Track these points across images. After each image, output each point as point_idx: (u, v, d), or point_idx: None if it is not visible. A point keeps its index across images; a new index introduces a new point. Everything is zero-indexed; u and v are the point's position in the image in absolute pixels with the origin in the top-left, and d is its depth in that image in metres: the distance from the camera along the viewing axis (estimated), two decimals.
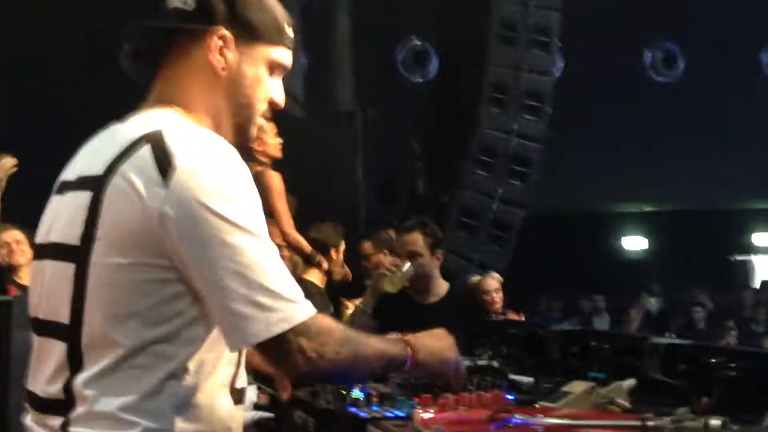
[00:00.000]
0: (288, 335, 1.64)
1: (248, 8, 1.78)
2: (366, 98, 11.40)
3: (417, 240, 4.58)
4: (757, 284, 15.96)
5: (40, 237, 1.81)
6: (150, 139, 1.66)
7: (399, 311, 4.42)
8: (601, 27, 14.03)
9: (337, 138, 10.07)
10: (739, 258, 17.58)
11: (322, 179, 10.14)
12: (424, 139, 10.76)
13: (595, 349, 3.48)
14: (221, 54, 1.76)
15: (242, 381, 1.81)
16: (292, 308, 1.65)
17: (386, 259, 5.98)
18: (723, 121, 14.63)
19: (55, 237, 1.74)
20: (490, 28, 9.68)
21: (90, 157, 1.74)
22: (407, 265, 4.48)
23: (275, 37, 1.81)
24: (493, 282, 7.04)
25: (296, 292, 1.68)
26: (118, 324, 1.64)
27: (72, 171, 1.77)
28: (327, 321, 1.72)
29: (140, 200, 1.62)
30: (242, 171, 1.68)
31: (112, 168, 1.66)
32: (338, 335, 1.70)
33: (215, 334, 1.69)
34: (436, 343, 1.94)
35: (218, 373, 1.72)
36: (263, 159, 5.84)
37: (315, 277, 5.71)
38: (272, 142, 5.78)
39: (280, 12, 1.83)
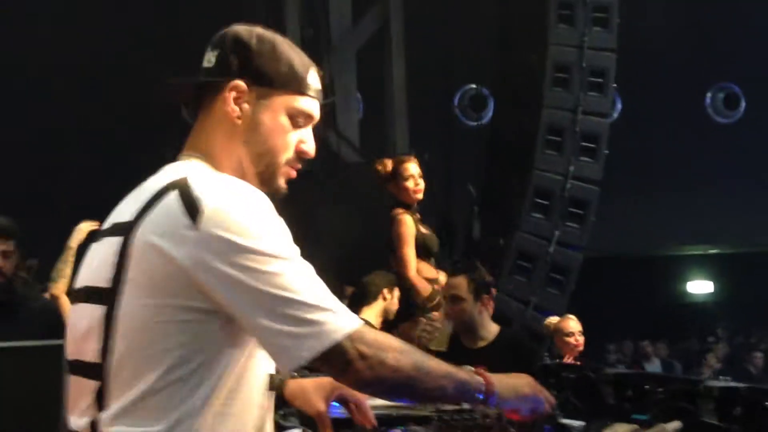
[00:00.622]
0: (345, 343, 1.66)
1: (262, 59, 1.84)
2: (422, 142, 11.42)
3: (461, 284, 4.57)
4: None
5: (76, 282, 1.87)
6: (177, 186, 1.72)
7: (447, 356, 4.38)
8: (659, 68, 13.94)
9: None
10: None
11: (380, 224, 10.16)
12: (480, 183, 10.72)
13: (648, 392, 3.40)
14: (237, 104, 1.83)
15: (270, 428, 1.81)
16: (341, 318, 1.68)
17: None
18: None
19: (88, 281, 1.80)
20: (545, 70, 9.65)
21: (123, 208, 1.81)
22: (445, 324, 4.45)
23: (293, 86, 1.85)
24: (576, 324, 6.89)
25: (340, 305, 1.70)
26: (146, 363, 1.67)
27: (108, 221, 1.85)
28: (380, 332, 1.75)
29: (170, 244, 1.67)
30: (265, 205, 1.72)
31: (141, 214, 1.72)
32: (396, 344, 1.72)
33: (243, 377, 1.72)
34: (511, 380, 1.92)
35: (246, 416, 1.73)
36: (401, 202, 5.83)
37: (371, 315, 5.68)
38: (410, 186, 5.76)
39: (299, 61, 1.87)
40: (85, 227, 5.55)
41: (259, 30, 1.89)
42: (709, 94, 15.60)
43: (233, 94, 1.83)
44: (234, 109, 1.83)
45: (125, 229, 1.73)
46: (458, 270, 4.67)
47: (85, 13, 11.88)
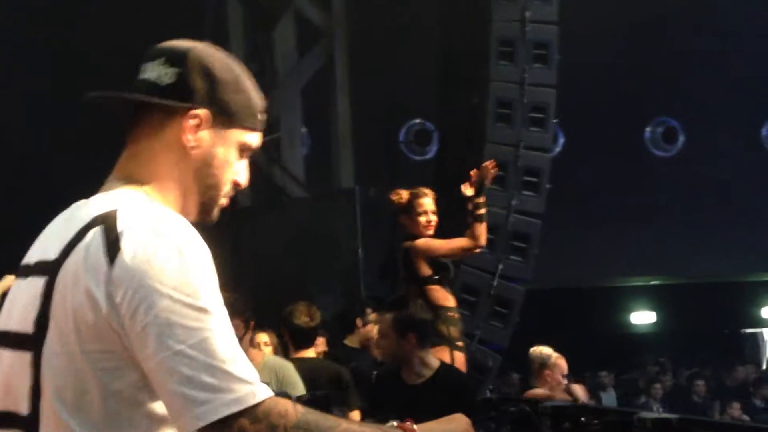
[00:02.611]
0: (235, 417, 1.56)
1: (226, 89, 1.75)
2: (368, 177, 11.51)
3: (386, 321, 4.66)
4: (765, 357, 15.86)
5: (0, 324, 1.76)
6: (103, 220, 1.63)
7: (389, 392, 4.43)
8: (599, 102, 14.21)
9: (338, 216, 10.14)
10: (749, 331, 17.45)
11: (324, 257, 10.20)
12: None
13: (584, 424, 3.48)
14: (194, 134, 1.73)
15: None
16: (244, 389, 1.58)
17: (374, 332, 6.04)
18: (724, 193, 14.70)
19: (13, 325, 1.71)
20: (487, 106, 9.81)
21: (49, 240, 1.71)
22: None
23: (249, 120, 1.78)
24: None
25: (250, 372, 1.60)
26: (74, 413, 1.60)
27: (33, 254, 1.75)
28: (283, 403, 1.62)
29: (88, 285, 1.59)
30: (195, 249, 1.62)
31: (65, 252, 1.64)
32: (293, 419, 1.60)
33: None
34: (442, 426, 1.86)
35: None
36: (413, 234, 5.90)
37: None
38: (422, 221, 5.81)
39: (255, 95, 1.80)
40: (9, 281, 5.58)
41: (219, 54, 1.79)
42: (648, 128, 15.92)
43: (194, 122, 1.73)
44: (191, 139, 1.73)
45: (50, 270, 1.64)
46: (389, 306, 4.73)
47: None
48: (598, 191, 14.44)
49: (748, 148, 15.44)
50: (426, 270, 5.91)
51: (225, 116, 1.75)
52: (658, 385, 12.82)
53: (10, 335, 1.70)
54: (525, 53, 9.74)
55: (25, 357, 1.65)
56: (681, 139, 15.82)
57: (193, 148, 1.73)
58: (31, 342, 1.64)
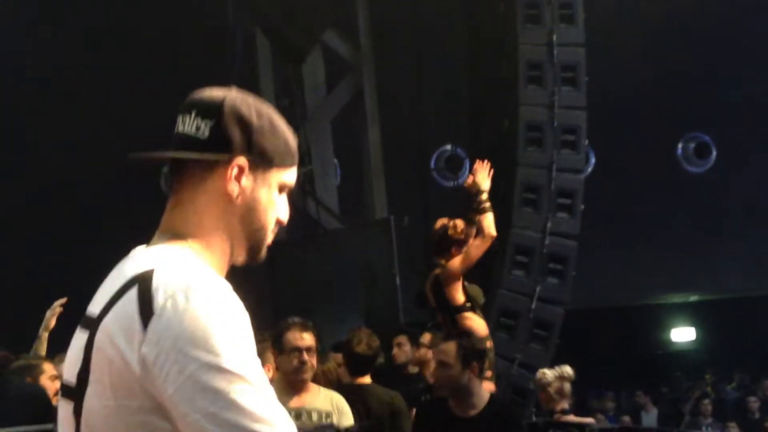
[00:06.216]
0: None
1: (264, 136, 1.78)
2: (400, 206, 11.57)
3: (450, 350, 4.60)
4: None
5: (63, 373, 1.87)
6: (139, 280, 1.67)
7: (437, 423, 4.43)
8: (630, 120, 14.20)
9: (373, 246, 10.20)
10: None
11: (360, 287, 10.25)
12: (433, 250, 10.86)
13: None
14: (237, 182, 1.76)
15: None
16: None
17: (428, 355, 6.08)
18: (758, 207, 14.61)
19: (66, 375, 1.80)
20: (518, 130, 9.86)
21: (99, 294, 1.77)
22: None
23: (287, 160, 1.82)
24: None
25: (283, 428, 1.62)
26: None
27: (90, 305, 1.81)
28: None
29: (121, 345, 1.64)
30: (227, 311, 1.65)
31: (105, 310, 1.69)
32: None
33: None
34: None
35: None
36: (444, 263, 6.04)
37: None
38: (456, 260, 5.96)
39: (290, 135, 1.83)
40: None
41: (251, 99, 1.81)
42: (680, 144, 15.87)
43: (236, 171, 1.76)
44: (235, 188, 1.76)
45: (92, 325, 1.71)
46: (450, 336, 4.73)
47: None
48: (632, 209, 14.41)
49: None
50: (458, 298, 5.95)
51: (264, 160, 1.78)
52: (707, 401, 12.72)
53: (64, 386, 1.80)
54: (553, 76, 9.79)
55: (70, 407, 1.74)
56: (713, 153, 15.75)
57: (237, 196, 1.77)
58: (74, 393, 1.73)
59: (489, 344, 5.95)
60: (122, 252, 1.84)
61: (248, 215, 1.79)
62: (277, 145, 1.80)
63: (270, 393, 1.64)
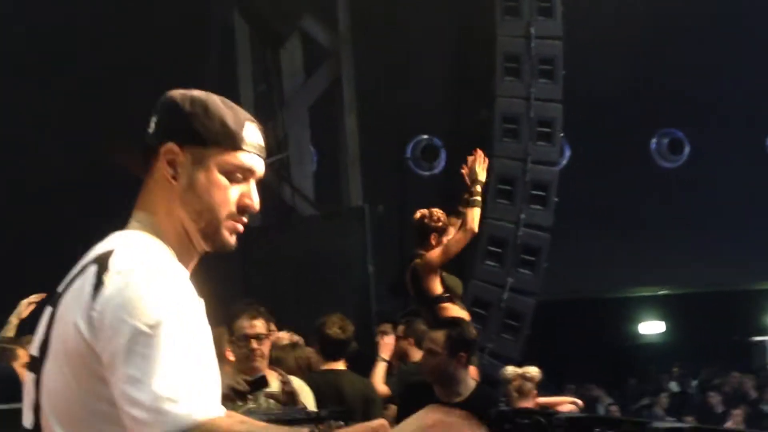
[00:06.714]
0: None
1: (194, 120, 1.87)
2: (376, 193, 11.60)
3: (439, 339, 4.58)
4: None
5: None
6: (99, 259, 1.80)
7: (421, 408, 4.44)
8: (605, 115, 14.30)
9: (347, 233, 10.23)
10: (756, 339, 17.48)
11: (334, 274, 10.29)
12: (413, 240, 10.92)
13: None
14: (171, 166, 1.87)
15: None
16: (179, 410, 1.66)
17: (412, 349, 6.11)
18: (730, 202, 14.78)
19: (31, 350, 1.91)
20: (494, 122, 9.91)
21: (69, 274, 1.89)
22: None
23: (227, 142, 1.87)
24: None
25: (194, 396, 1.69)
26: (66, 429, 1.77)
27: (60, 284, 1.91)
28: (226, 423, 1.71)
29: (75, 316, 1.75)
30: (170, 290, 1.74)
31: (67, 286, 1.83)
32: None
33: None
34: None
35: None
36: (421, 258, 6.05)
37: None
38: (435, 252, 5.96)
39: (232, 118, 1.89)
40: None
41: (194, 93, 1.92)
42: (654, 140, 16.00)
43: (168, 156, 1.87)
44: (169, 170, 1.86)
45: (55, 301, 1.83)
46: (441, 324, 4.73)
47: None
48: (605, 203, 14.52)
49: (752, 158, 15.52)
50: (436, 288, 5.98)
51: (197, 143, 1.87)
52: (664, 394, 12.87)
53: (30, 360, 1.92)
54: (531, 69, 9.85)
55: (32, 379, 1.86)
56: (686, 149, 15.90)
57: (174, 178, 1.87)
58: (36, 365, 1.84)
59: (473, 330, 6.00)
60: None
61: (188, 197, 1.87)
62: (210, 127, 1.87)
63: (200, 369, 1.71)
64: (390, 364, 6.71)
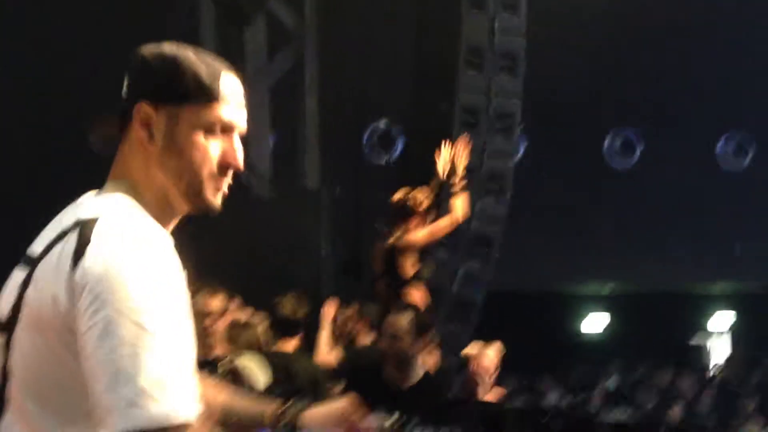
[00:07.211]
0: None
1: (165, 77, 1.77)
2: (333, 177, 11.66)
3: (401, 323, 4.63)
4: (711, 365, 16.26)
5: None
6: (81, 225, 1.71)
7: (369, 391, 4.50)
8: (562, 112, 14.47)
9: (303, 215, 10.28)
10: (697, 341, 17.82)
11: (287, 255, 10.33)
12: (388, 220, 11.00)
13: (547, 426, 3.69)
14: (146, 127, 1.77)
15: None
16: (161, 410, 1.60)
17: (363, 331, 6.17)
18: (678, 204, 15.06)
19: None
20: (454, 112, 10.02)
21: (43, 235, 1.80)
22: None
23: (201, 97, 1.77)
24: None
25: (174, 396, 1.61)
26: (35, 398, 1.73)
27: (32, 246, 1.83)
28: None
29: (53, 285, 1.68)
30: (157, 266, 1.67)
31: (46, 251, 1.73)
32: None
33: None
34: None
35: None
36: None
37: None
38: (420, 233, 5.99)
39: (205, 70, 1.78)
40: None
41: (164, 47, 1.81)
42: (606, 140, 16.24)
43: (141, 117, 1.77)
44: (143, 133, 1.77)
45: (32, 263, 1.74)
46: (403, 308, 4.81)
47: None
48: (558, 199, 14.71)
49: (703, 160, 15.82)
50: (409, 270, 6.04)
51: (171, 101, 1.77)
52: (600, 389, 13.12)
53: None
54: (492, 63, 9.96)
55: (1, 341, 1.78)
56: (638, 150, 16.15)
57: (149, 138, 1.78)
58: (6, 328, 1.76)
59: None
60: None
61: (166, 159, 1.78)
62: (182, 83, 1.77)
63: (178, 355, 1.65)
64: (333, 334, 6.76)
